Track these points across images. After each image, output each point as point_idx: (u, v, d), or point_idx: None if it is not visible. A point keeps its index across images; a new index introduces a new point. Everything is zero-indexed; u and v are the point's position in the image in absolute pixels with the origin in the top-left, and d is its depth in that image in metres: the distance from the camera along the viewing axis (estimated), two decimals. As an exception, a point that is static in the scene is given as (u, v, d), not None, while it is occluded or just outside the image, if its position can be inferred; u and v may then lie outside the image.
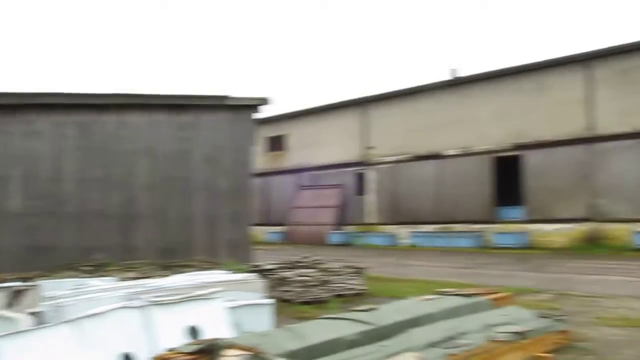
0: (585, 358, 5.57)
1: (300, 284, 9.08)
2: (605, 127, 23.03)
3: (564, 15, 74.35)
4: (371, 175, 31.23)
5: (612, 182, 22.70)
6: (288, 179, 35.57)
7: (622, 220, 22.12)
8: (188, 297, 5.53)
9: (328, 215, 32.07)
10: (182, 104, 13.91)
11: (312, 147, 34.31)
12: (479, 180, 26.62)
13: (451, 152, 27.74)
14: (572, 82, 24.12)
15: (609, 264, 16.46)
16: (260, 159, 35.49)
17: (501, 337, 5.09)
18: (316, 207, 32.80)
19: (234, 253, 13.39)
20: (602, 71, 23.42)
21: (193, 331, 5.33)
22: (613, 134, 22.75)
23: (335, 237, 30.37)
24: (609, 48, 23.36)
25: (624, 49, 22.95)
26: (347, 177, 32.40)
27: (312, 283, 9.20)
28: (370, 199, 31.14)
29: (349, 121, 32.63)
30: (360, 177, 31.91)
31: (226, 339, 4.43)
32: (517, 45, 73.70)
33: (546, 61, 25.02)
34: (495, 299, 6.73)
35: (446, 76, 29.87)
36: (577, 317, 7.64)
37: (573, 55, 24.20)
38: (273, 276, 9.52)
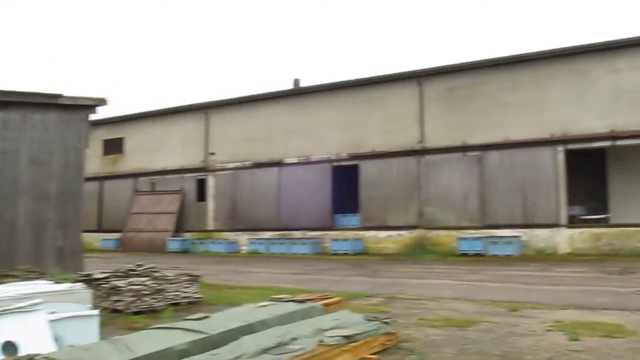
0: (409, 358, 5.87)
1: (132, 293, 8.73)
2: (434, 140, 24.67)
3: (403, 32, 78.73)
4: (212, 181, 30.91)
5: (440, 192, 24.34)
6: (125, 183, 34.14)
7: (448, 227, 23.80)
8: (4, 310, 5.11)
9: (167, 222, 31.25)
10: (7, 100, 12.87)
11: (151, 151, 33.29)
12: (318, 188, 27.31)
13: (292, 160, 28.22)
14: (405, 97, 25.56)
15: (435, 269, 17.57)
16: (96, 162, 33.89)
17: (331, 341, 5.22)
18: (155, 213, 31.83)
19: (62, 261, 12.62)
20: (432, 88, 25.08)
21: (9, 347, 4.94)
22: (440, 147, 24.42)
23: (174, 244, 29.65)
24: (438, 67, 25.12)
25: (451, 68, 24.78)
26: (188, 183, 31.81)
27: (145, 292, 8.89)
28: (211, 206, 30.81)
29: (190, 126, 32.06)
30: (201, 183, 31.44)
31: (44, 354, 4.14)
32: (358, 58, 76.80)
33: (383, 76, 26.33)
34: (328, 304, 6.93)
35: (289, 85, 30.50)
36: (404, 319, 8.04)
37: (407, 72, 25.69)
38: (104, 285, 9.08)
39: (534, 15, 73.86)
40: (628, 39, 21.46)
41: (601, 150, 23.57)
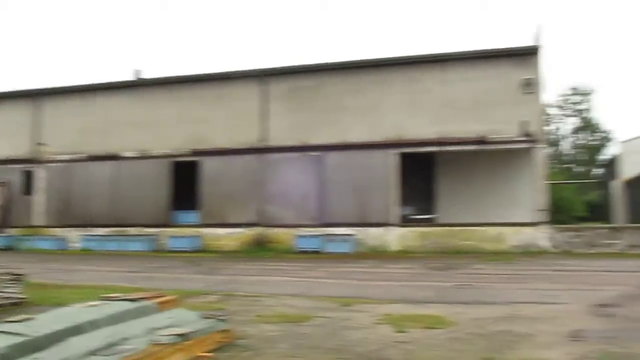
0: (244, 354, 5.92)
1: (-56, 294, 7.97)
2: (276, 139, 24.97)
3: (251, 30, 78.87)
4: (41, 173, 28.91)
5: (280, 190, 24.67)
6: (-61, 173, 30.97)
7: (287, 225, 24.19)
8: None
9: (-12, 216, 28.80)
10: None
11: (-28, 139, 30.48)
12: (157, 184, 26.56)
13: (129, 154, 27.20)
14: (249, 95, 25.62)
15: (273, 266, 17.79)
16: None
17: (164, 339, 5.13)
18: (-26, 206, 29.20)
19: None
20: (276, 87, 25.37)
21: None
22: (282, 146, 24.78)
23: (-5, 241, 27.42)
24: (282, 67, 25.49)
25: (295, 69, 25.27)
26: (13, 174, 29.47)
27: (-41, 293, 8.16)
28: (39, 200, 28.81)
29: (18, 114, 29.71)
30: (28, 176, 29.27)
31: None
32: (205, 54, 75.84)
33: (227, 73, 26.20)
34: (162, 303, 6.78)
35: (129, 77, 29.36)
36: (240, 316, 8.09)
37: (251, 70, 25.78)
38: None
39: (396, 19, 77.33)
40: (458, 52, 23.22)
41: (431, 154, 25.19)
